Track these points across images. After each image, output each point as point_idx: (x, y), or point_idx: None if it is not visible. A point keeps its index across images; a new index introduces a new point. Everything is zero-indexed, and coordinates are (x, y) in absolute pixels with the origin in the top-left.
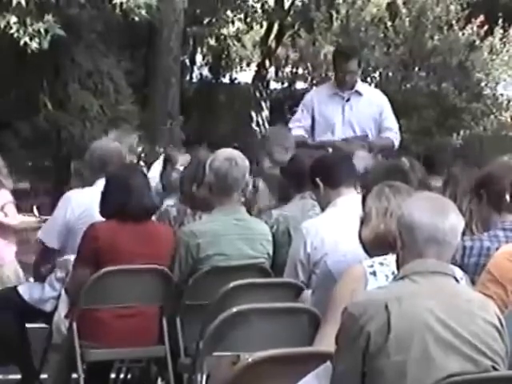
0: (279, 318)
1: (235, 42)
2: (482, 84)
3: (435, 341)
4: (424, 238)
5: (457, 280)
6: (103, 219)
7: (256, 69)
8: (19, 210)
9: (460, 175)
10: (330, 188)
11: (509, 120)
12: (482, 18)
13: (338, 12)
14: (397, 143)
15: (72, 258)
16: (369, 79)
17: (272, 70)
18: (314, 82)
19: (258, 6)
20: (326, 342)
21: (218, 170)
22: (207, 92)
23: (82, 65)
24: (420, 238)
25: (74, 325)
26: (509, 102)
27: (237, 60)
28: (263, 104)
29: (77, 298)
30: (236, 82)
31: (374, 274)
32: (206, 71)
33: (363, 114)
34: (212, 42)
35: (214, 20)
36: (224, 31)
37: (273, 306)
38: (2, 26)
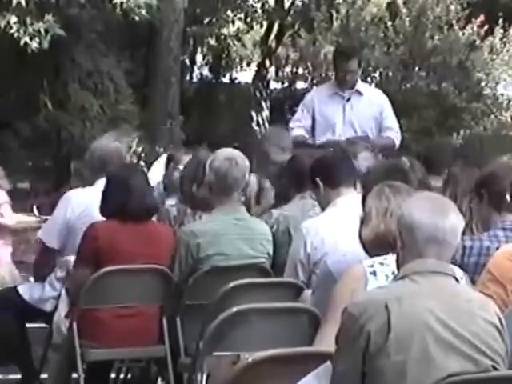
0: (279, 318)
1: (235, 42)
2: (482, 84)
3: (435, 341)
4: (424, 237)
5: (457, 280)
6: (103, 219)
7: (256, 69)
8: (19, 210)
9: (460, 175)
10: (329, 188)
11: (509, 120)
12: (482, 17)
13: (338, 12)
14: (397, 142)
15: (72, 257)
16: (369, 79)
17: (272, 69)
18: (314, 81)
19: (259, 5)
20: (326, 342)
21: (218, 169)
22: (207, 92)
23: (82, 65)
24: (420, 238)
25: (74, 325)
26: (509, 101)
27: (237, 60)
28: (263, 104)
29: (77, 298)
30: (236, 81)
31: (374, 273)
32: (206, 71)
33: (364, 113)
34: (212, 41)
35: (214, 20)
36: (224, 31)
37: (273, 306)
38: (2, 26)
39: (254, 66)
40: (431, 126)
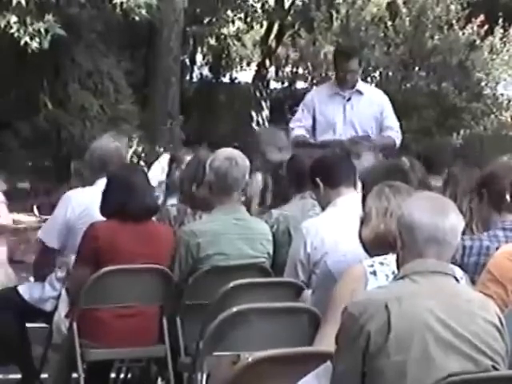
0: (279, 318)
1: (235, 42)
2: (482, 84)
3: (435, 341)
4: (424, 237)
5: (457, 280)
6: (103, 219)
7: (256, 68)
8: (19, 210)
9: (460, 175)
10: (329, 188)
11: (509, 120)
12: (482, 17)
13: (338, 12)
14: (398, 142)
15: (72, 257)
16: (369, 79)
17: (272, 69)
18: (315, 81)
19: (259, 5)
20: (326, 341)
21: (218, 169)
22: (207, 92)
23: (82, 65)
24: (420, 238)
25: (74, 324)
26: (509, 101)
27: (237, 60)
28: (263, 104)
29: (77, 298)
30: (236, 81)
31: (374, 273)
32: (206, 71)
33: (364, 113)
34: (212, 41)
35: (214, 19)
36: (224, 31)
37: (273, 306)
38: (2, 26)
39: (254, 66)
40: (431, 126)
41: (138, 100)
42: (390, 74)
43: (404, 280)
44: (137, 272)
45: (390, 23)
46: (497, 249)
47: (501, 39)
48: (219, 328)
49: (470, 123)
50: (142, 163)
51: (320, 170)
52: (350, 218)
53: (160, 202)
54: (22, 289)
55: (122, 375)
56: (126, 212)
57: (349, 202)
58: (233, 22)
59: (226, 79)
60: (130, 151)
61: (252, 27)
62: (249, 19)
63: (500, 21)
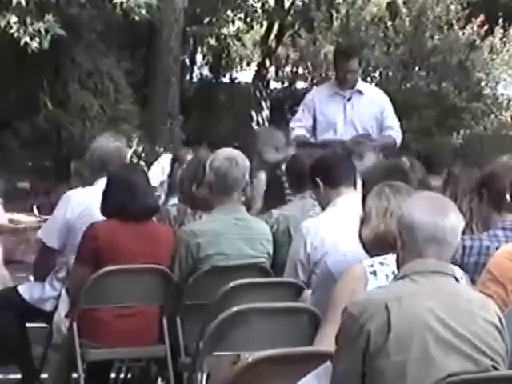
0: (279, 318)
1: (235, 42)
2: (482, 83)
3: (435, 340)
4: (424, 237)
5: (457, 279)
6: (103, 219)
7: (256, 68)
8: (19, 209)
9: (460, 175)
10: (329, 188)
11: (509, 119)
12: (482, 17)
13: (338, 11)
14: (398, 141)
15: (72, 257)
16: (369, 79)
17: (272, 69)
18: (315, 81)
19: (259, 5)
20: (326, 341)
21: (218, 169)
22: (207, 92)
23: (82, 65)
24: (420, 238)
25: (74, 324)
26: (509, 101)
27: (237, 60)
28: (263, 104)
29: (77, 298)
30: (236, 81)
31: (374, 273)
32: (206, 71)
33: (365, 112)
34: (212, 41)
35: (214, 19)
36: (224, 31)
37: (273, 306)
38: (2, 26)
39: (254, 66)
40: (431, 126)
41: (138, 100)
42: (390, 74)
43: (404, 280)
44: (137, 272)
45: (390, 23)
46: (497, 249)
47: (501, 39)
48: (219, 328)
49: (470, 123)
50: (142, 163)
51: (320, 170)
52: (349, 218)
53: (161, 201)
54: (21, 289)
55: (122, 375)
56: (127, 212)
57: (349, 201)
58: (233, 22)
59: (226, 79)
60: (130, 151)
61: (252, 27)
62: (249, 19)
63: (500, 21)
